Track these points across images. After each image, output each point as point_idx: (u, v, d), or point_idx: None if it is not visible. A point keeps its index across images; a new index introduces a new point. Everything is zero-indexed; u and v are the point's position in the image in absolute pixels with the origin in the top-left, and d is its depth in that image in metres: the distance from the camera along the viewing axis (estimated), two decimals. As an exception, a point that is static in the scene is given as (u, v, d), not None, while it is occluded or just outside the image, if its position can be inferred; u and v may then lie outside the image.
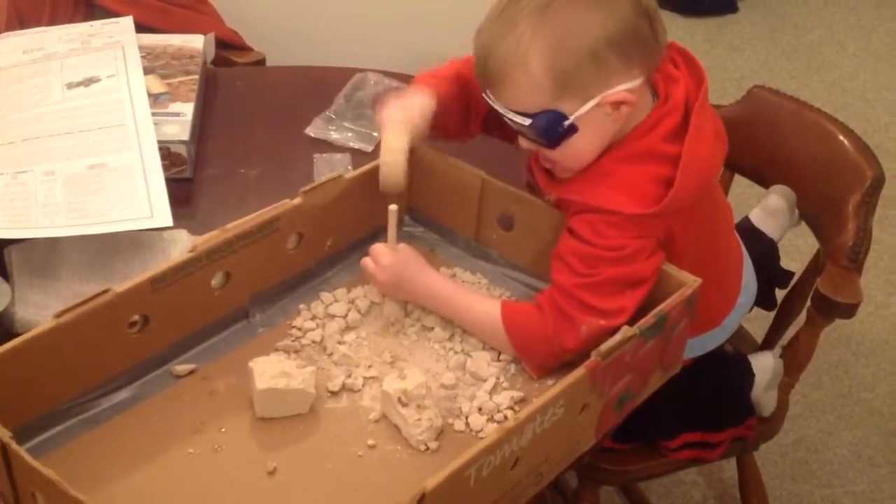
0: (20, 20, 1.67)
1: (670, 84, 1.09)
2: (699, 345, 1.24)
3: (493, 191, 1.19)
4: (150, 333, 1.04)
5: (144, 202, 1.19)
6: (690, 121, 1.06)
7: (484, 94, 1.09)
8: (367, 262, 1.14)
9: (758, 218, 1.46)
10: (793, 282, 1.50)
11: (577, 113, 1.04)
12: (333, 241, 1.20)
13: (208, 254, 1.05)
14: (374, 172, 1.15)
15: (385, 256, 1.12)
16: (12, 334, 1.04)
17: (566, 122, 1.04)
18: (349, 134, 1.49)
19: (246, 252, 1.09)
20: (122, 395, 1.04)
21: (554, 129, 1.05)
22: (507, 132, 1.14)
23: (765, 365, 1.35)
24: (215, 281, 1.08)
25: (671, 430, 1.33)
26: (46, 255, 1.20)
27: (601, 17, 1.01)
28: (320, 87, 1.58)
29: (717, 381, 1.30)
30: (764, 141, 1.51)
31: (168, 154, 1.35)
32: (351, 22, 2.23)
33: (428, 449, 1.01)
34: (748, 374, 1.35)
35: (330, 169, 1.41)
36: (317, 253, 1.19)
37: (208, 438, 1.00)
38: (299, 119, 1.52)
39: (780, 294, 1.53)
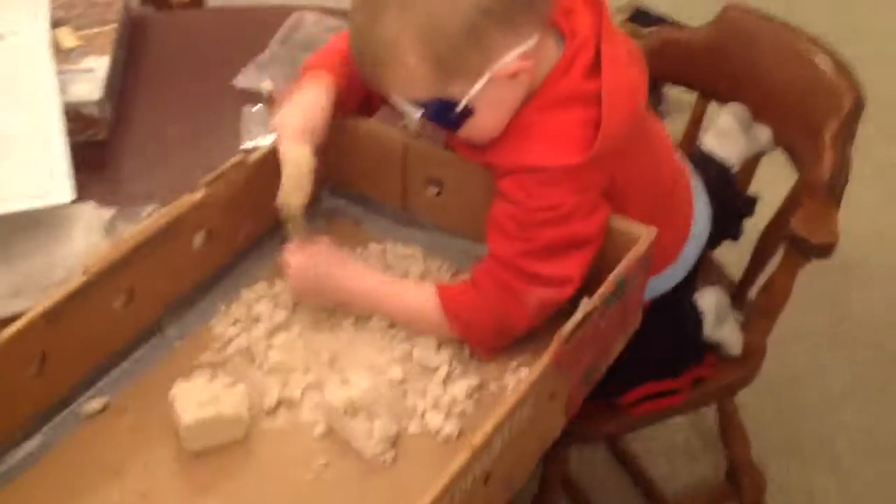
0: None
1: (571, 18, 1.00)
2: (659, 283, 1.17)
3: (416, 154, 1.09)
4: (50, 372, 0.92)
5: (43, 176, 1.09)
6: (601, 51, 0.98)
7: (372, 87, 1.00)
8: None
9: (709, 142, 1.36)
10: (770, 218, 1.40)
11: (469, 95, 0.95)
12: (249, 230, 1.09)
13: (104, 274, 0.93)
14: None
15: (293, 257, 1.02)
16: None
17: (458, 108, 0.96)
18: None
19: (148, 263, 0.97)
20: (30, 445, 0.92)
21: (447, 115, 0.97)
22: None
23: (708, 301, 1.28)
24: (117, 302, 0.96)
25: (622, 384, 1.24)
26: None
27: None
28: (254, 30, 1.47)
29: (665, 329, 1.22)
30: (738, 66, 1.40)
31: (77, 116, 1.24)
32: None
33: (385, 461, 0.91)
34: (696, 315, 1.27)
35: (260, 124, 1.30)
36: (231, 247, 1.07)
37: (134, 482, 0.89)
38: (231, 68, 1.41)
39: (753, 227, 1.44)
